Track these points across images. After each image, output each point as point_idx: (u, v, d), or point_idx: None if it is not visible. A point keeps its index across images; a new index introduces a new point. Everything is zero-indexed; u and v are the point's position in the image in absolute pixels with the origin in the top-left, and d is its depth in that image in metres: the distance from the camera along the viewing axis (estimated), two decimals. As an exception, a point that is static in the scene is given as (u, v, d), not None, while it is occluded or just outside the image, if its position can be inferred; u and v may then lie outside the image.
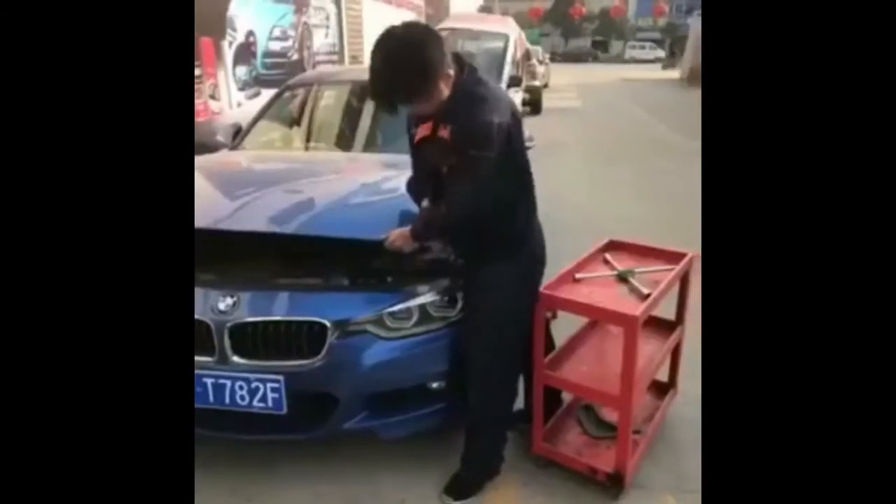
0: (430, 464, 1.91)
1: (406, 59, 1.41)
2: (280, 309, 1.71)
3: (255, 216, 1.96)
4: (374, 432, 1.80)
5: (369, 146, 2.95)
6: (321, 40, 6.72)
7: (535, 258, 1.73)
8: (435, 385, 1.82)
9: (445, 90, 1.48)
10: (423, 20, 14.73)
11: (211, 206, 1.99)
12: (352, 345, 1.70)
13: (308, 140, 3.27)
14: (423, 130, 1.60)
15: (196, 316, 1.71)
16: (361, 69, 3.38)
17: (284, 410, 1.70)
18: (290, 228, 1.83)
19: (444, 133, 1.52)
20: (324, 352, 1.68)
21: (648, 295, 1.72)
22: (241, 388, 1.70)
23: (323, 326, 1.68)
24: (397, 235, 1.65)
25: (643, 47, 41.66)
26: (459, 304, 1.80)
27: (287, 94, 3.36)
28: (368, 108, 3.20)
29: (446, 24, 7.87)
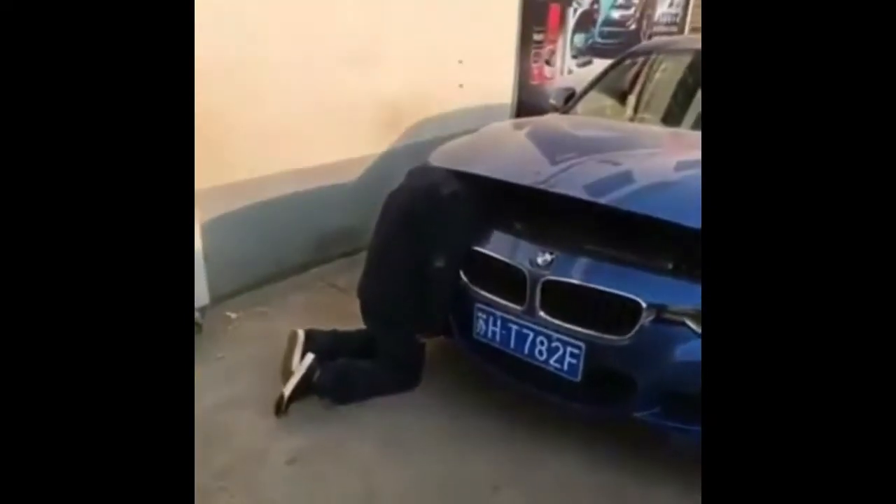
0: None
1: None
2: (597, 277, 1.66)
3: (578, 182, 1.92)
4: (666, 432, 1.65)
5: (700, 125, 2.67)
6: (663, 10, 6.30)
7: None
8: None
9: None
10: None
11: (532, 166, 2.04)
12: (664, 333, 1.57)
13: (637, 111, 3.13)
14: None
15: (513, 263, 1.79)
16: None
17: (578, 378, 1.69)
18: (612, 200, 1.74)
19: None
20: (633, 332, 1.59)
21: None
22: (541, 343, 1.74)
23: (637, 306, 1.58)
24: None
25: None
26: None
27: (627, 62, 3.23)
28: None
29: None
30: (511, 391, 1.97)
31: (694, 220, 1.52)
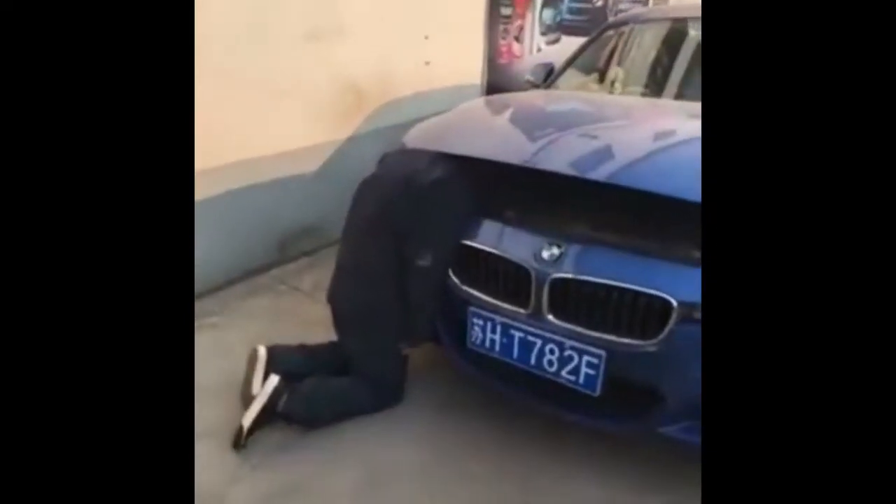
0: None
1: None
2: (616, 272, 1.40)
3: (577, 158, 1.64)
4: (696, 447, 1.42)
5: (682, 95, 2.49)
6: (628, -15, 6.13)
7: None
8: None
9: None
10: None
11: (523, 144, 1.78)
12: (698, 336, 1.33)
13: (620, 83, 2.94)
14: None
15: (515, 259, 1.53)
16: (690, 6, 3.01)
17: (597, 392, 1.44)
18: (625, 179, 1.45)
19: None
20: (662, 336, 1.35)
21: None
22: (551, 352, 1.48)
23: (667, 305, 1.34)
24: None
25: None
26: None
27: (610, 32, 3.02)
28: (685, 52, 2.76)
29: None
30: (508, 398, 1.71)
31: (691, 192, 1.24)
